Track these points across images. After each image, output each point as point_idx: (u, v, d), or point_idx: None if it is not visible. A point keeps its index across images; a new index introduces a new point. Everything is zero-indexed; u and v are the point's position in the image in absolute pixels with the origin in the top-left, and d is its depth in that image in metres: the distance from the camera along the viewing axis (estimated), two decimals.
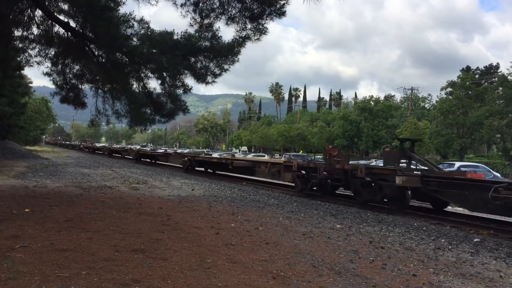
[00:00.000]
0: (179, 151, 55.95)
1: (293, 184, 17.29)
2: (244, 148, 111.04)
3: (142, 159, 39.98)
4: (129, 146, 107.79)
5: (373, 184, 13.31)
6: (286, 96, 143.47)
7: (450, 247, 8.01)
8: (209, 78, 12.45)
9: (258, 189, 17.96)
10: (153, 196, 13.21)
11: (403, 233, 9.24)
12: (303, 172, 16.42)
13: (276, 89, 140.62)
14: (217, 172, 25.87)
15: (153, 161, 37.61)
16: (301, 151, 75.94)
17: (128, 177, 19.99)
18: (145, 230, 7.48)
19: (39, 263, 5.01)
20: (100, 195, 12.61)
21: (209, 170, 26.78)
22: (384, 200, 13.21)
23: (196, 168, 27.44)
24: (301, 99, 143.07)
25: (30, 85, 50.32)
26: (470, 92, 58.76)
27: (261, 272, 5.26)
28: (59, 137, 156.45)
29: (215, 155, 44.97)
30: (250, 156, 53.66)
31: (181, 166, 28.55)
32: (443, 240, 8.72)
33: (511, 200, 9.54)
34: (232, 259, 5.82)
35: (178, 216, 9.34)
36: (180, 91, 13.47)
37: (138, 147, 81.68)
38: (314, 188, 15.88)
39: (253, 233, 7.96)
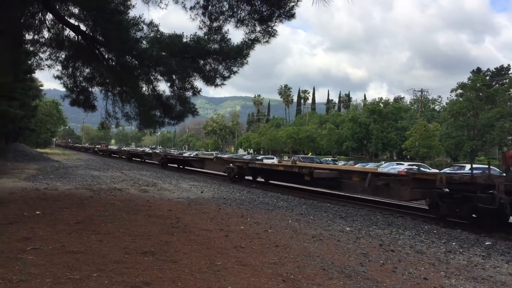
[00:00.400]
0: (219, 155, 43.15)
1: (406, 203, 14.02)
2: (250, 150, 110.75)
3: (169, 164, 34.05)
4: (148, 148, 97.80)
5: None
6: (295, 98, 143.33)
7: (461, 250, 7.94)
8: (218, 81, 12.47)
9: (267, 191, 17.93)
10: (163, 198, 13.25)
11: (413, 236, 9.18)
12: (447, 190, 11.54)
13: (285, 91, 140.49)
14: (271, 182, 21.54)
15: (181, 167, 32.96)
16: (310, 153, 75.81)
17: (138, 180, 20.08)
18: (155, 232, 7.50)
19: (50, 265, 5.04)
20: (110, 197, 12.68)
21: (258, 179, 22.25)
22: None
23: (246, 177, 22.43)
24: (310, 101, 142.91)
25: (41, 88, 50.72)
26: (480, 94, 58.37)
27: (270, 275, 5.25)
28: (69, 140, 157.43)
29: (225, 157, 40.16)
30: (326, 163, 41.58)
31: (224, 174, 23.75)
32: (454, 243, 8.65)
33: None
34: (241, 261, 5.81)
35: (187, 219, 9.35)
36: (189, 93, 13.52)
37: (147, 149, 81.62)
38: (473, 215, 11.02)
39: (263, 235, 7.95)
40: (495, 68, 73.05)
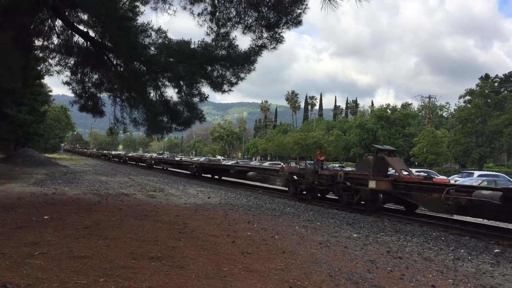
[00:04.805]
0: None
1: None
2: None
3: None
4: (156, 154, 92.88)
5: None
6: (302, 104, 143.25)
7: (469, 257, 7.87)
8: (226, 87, 12.51)
9: (274, 197, 17.90)
10: (170, 204, 13.27)
11: (421, 243, 9.12)
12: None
13: (292, 97, 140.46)
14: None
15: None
16: None
17: (145, 185, 20.13)
18: (162, 238, 7.51)
19: (58, 269, 5.06)
20: (118, 202, 12.72)
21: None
22: None
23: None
24: (317, 107, 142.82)
25: (50, 93, 51.28)
26: (489, 100, 58.15)
27: (277, 281, 5.23)
28: (77, 145, 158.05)
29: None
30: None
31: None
32: (462, 250, 8.58)
33: None
34: (248, 267, 5.80)
35: (194, 224, 9.36)
36: (196, 99, 13.56)
37: (154, 155, 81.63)
38: None
39: (269, 241, 7.94)
40: (503, 74, 72.46)
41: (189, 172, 31.38)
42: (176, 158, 52.89)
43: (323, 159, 18.49)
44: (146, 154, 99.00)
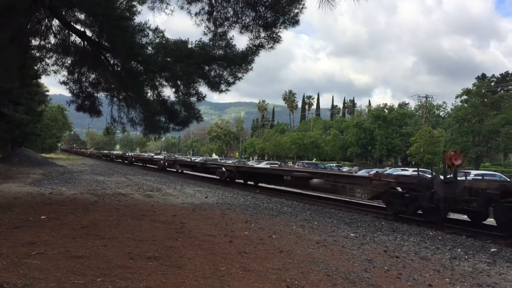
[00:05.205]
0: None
1: None
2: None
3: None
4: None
5: None
6: (300, 104, 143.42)
7: (466, 257, 7.90)
8: (223, 87, 12.50)
9: (271, 197, 17.91)
10: (167, 203, 13.26)
11: (418, 242, 9.14)
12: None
13: (289, 97, 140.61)
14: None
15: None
16: (314, 159, 75.68)
17: (142, 185, 20.11)
18: (159, 237, 7.51)
19: (55, 269, 5.05)
20: (115, 202, 12.70)
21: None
22: None
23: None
24: (314, 106, 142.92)
25: (47, 93, 51.05)
26: (485, 100, 58.29)
27: (274, 281, 5.24)
28: (74, 145, 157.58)
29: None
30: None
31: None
32: (459, 249, 8.61)
33: None
34: (245, 267, 5.80)
35: (191, 224, 9.35)
36: (194, 99, 13.54)
37: (152, 154, 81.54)
38: None
39: (267, 241, 7.94)
40: (500, 74, 72.82)
41: (218, 177, 25.36)
42: (184, 158, 50.48)
43: (460, 164, 12.36)
44: (156, 154, 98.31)
